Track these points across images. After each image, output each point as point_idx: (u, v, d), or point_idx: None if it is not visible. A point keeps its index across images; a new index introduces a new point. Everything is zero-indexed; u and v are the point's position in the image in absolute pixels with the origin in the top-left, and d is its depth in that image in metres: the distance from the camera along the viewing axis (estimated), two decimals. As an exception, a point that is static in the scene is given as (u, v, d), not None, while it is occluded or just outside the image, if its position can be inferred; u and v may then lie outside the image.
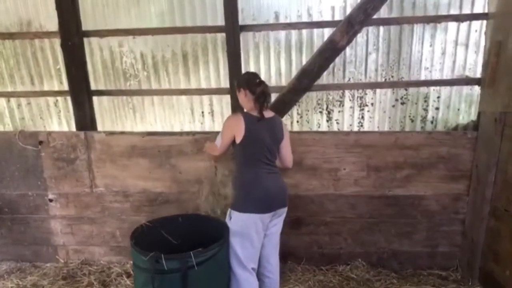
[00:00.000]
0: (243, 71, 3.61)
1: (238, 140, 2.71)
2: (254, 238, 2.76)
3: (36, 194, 3.93)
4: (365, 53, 3.57)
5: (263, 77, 3.65)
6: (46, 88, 3.94)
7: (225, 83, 3.71)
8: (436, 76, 3.55)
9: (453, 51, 3.47)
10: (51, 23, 3.70)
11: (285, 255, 3.85)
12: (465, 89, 3.55)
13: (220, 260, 2.68)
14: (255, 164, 2.76)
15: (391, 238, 3.75)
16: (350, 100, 3.71)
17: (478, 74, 3.48)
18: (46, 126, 4.10)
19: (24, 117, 4.08)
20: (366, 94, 3.67)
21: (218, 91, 3.75)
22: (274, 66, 3.67)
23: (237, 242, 2.75)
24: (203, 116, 3.90)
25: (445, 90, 3.58)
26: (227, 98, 3.73)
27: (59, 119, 4.05)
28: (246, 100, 2.81)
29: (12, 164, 3.86)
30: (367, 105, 3.70)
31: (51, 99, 3.99)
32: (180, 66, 3.74)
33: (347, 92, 3.69)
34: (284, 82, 3.67)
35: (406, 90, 3.62)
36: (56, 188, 3.91)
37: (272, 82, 3.70)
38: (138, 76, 3.81)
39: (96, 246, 4.04)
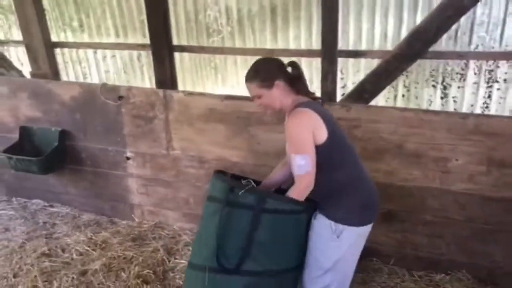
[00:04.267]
0: (340, 30, 3.05)
1: (322, 140, 2.05)
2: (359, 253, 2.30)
3: (116, 151, 3.95)
4: (504, 12, 2.78)
5: (364, 39, 3.07)
6: (130, 41, 3.82)
7: (317, 44, 3.22)
8: None
9: None
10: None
11: (369, 252, 3.34)
12: None
13: (298, 225, 2.22)
14: (350, 161, 2.21)
15: (511, 252, 2.99)
16: (475, 73, 2.99)
17: None
18: (129, 81, 4.01)
19: (109, 70, 4.02)
20: (498, 67, 2.93)
21: (309, 53, 3.33)
22: (379, 26, 3.10)
23: (341, 265, 2.20)
24: (288, 81, 3.45)
25: None
26: (317, 62, 3.23)
27: (142, 74, 3.97)
28: (284, 94, 2.16)
29: (96, 117, 3.87)
30: (497, 81, 2.95)
31: (134, 53, 3.89)
32: (267, 22, 3.36)
33: (472, 63, 2.98)
34: (390, 47, 3.07)
35: (556, 64, 2.76)
36: (134, 146, 3.86)
37: (375, 46, 3.10)
38: (222, 32, 3.51)
39: (170, 210, 3.99)
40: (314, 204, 2.24)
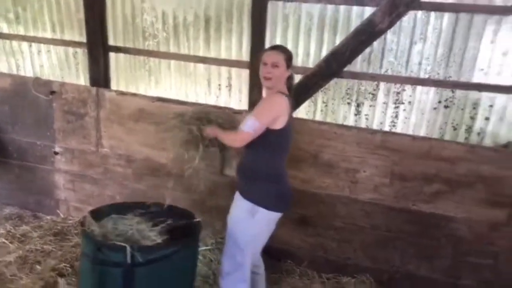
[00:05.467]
0: (267, 44, 3.25)
1: (279, 126, 2.34)
2: (266, 238, 2.59)
3: (44, 145, 3.94)
4: (410, 42, 3.11)
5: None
6: (66, 37, 3.84)
7: (246, 56, 3.39)
8: (492, 80, 3.01)
9: (518, 53, 2.89)
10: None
11: (284, 254, 3.55)
12: (527, 101, 2.97)
13: (180, 261, 2.37)
14: (284, 157, 2.52)
15: (408, 258, 3.35)
16: (384, 94, 3.27)
17: (546, 86, 2.88)
18: (63, 76, 4.02)
19: (43, 64, 4.01)
20: (404, 90, 3.22)
21: (238, 64, 3.47)
22: (302, 44, 3.33)
23: (252, 244, 2.48)
24: (219, 89, 3.66)
25: (500, 99, 3.05)
26: (246, 73, 3.40)
27: (77, 71, 3.99)
28: (283, 78, 2.45)
29: (26, 111, 3.85)
30: (403, 103, 3.25)
31: (70, 50, 3.91)
32: (201, 31, 3.51)
33: (382, 85, 3.26)
34: (311, 64, 3.31)
35: (452, 92, 3.13)
36: (63, 142, 3.88)
37: (298, 62, 3.33)
38: (157, 37, 3.62)
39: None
40: (195, 230, 2.51)
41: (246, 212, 2.39)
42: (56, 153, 3.92)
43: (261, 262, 2.79)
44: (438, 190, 3.12)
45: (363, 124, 3.38)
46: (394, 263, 3.39)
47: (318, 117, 3.46)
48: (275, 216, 2.47)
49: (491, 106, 3.07)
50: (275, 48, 2.51)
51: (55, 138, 3.87)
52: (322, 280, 3.45)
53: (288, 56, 2.44)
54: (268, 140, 2.35)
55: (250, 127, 2.28)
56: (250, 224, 2.40)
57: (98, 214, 2.57)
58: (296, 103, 3.31)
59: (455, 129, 3.20)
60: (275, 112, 2.31)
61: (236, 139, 2.36)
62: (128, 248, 2.12)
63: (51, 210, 4.10)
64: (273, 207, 2.41)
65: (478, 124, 3.14)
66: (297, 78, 3.28)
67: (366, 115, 3.36)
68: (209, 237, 3.57)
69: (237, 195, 2.51)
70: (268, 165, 2.43)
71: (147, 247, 2.27)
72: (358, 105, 3.36)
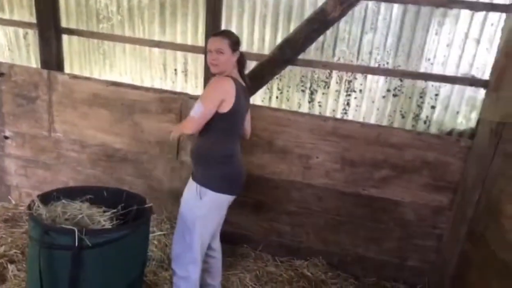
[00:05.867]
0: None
1: (225, 109, 2.35)
2: (217, 221, 2.61)
3: (-7, 129, 3.77)
4: (361, 31, 3.18)
5: (244, 42, 3.32)
6: (16, 17, 3.70)
7: (202, 41, 3.38)
8: (437, 70, 3.14)
9: (461, 45, 3.03)
10: None
11: (241, 238, 3.62)
12: (469, 90, 3.13)
13: (130, 245, 2.36)
14: (233, 140, 2.54)
15: (357, 241, 3.48)
16: (337, 82, 3.34)
17: (487, 76, 3.03)
18: (14, 59, 3.89)
19: (-9, 45, 3.86)
20: (355, 78, 3.30)
21: (194, 49, 3.46)
22: (258, 31, 3.34)
23: (200, 225, 2.47)
24: (175, 74, 3.62)
25: (445, 88, 3.17)
26: (202, 58, 3.39)
27: (27, 53, 3.85)
28: (231, 63, 2.48)
29: (-28, 93, 3.68)
30: (354, 91, 3.33)
31: (20, 31, 3.77)
32: (156, 15, 3.46)
33: (334, 73, 3.32)
34: (267, 50, 3.34)
35: (401, 81, 3.23)
36: (13, 126, 3.77)
37: (254, 49, 3.36)
38: (112, 20, 3.54)
39: (49, 193, 3.87)
40: (147, 213, 2.53)
41: (194, 194, 2.43)
42: (6, 138, 3.80)
43: (218, 246, 2.84)
44: (386, 176, 3.25)
45: (316, 111, 3.45)
46: (344, 246, 3.52)
47: (274, 104, 3.50)
48: (224, 198, 2.50)
49: (436, 95, 3.19)
50: (218, 34, 2.51)
51: (5, 122, 3.75)
52: (276, 263, 3.54)
53: (233, 41, 2.45)
54: (216, 124, 2.37)
55: (196, 112, 2.31)
56: (198, 204, 2.43)
57: (47, 199, 2.53)
58: (252, 89, 3.35)
59: (403, 117, 3.32)
60: (218, 95, 2.32)
61: (186, 126, 2.37)
62: (76, 232, 2.11)
63: (2, 197, 3.99)
64: (221, 189, 2.44)
65: (425, 112, 3.26)
66: (253, 64, 3.32)
67: (319, 102, 3.43)
68: (164, 223, 3.59)
69: (190, 179, 2.55)
70: (217, 148, 2.45)
71: (95, 231, 2.27)
72: (312, 93, 3.42)
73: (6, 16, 3.71)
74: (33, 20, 3.61)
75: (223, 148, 2.46)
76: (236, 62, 2.51)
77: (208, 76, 3.38)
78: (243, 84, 2.54)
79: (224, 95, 2.33)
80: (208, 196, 2.42)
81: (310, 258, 3.58)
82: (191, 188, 2.47)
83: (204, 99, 2.33)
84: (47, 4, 3.43)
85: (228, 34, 2.50)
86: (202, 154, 2.48)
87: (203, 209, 2.44)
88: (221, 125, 2.40)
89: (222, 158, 2.47)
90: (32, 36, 3.73)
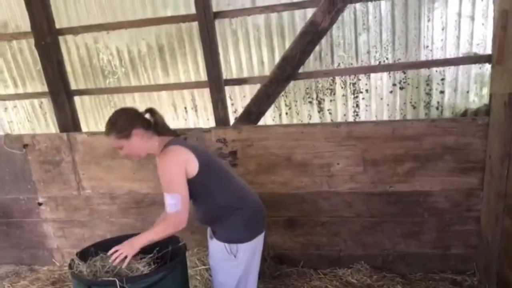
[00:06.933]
0: (222, 62, 3.38)
1: (194, 172, 2.14)
2: (258, 263, 2.43)
3: (27, 198, 4.00)
4: (354, 34, 3.24)
5: (244, 67, 3.42)
6: (29, 90, 3.92)
7: (204, 75, 3.50)
8: (438, 55, 3.16)
9: (456, 25, 3.05)
10: (26, 23, 3.65)
11: (280, 259, 3.63)
12: (474, 68, 3.13)
13: (170, 285, 2.37)
14: (229, 183, 2.31)
15: (396, 239, 3.45)
16: (342, 87, 3.40)
17: (489, 50, 3.02)
18: (34, 129, 4.09)
19: (12, 120, 4.08)
20: (359, 79, 3.35)
21: (199, 85, 3.58)
22: (255, 54, 3.44)
23: (244, 282, 2.32)
24: (186, 112, 3.75)
25: (449, 71, 3.18)
26: (208, 92, 3.50)
27: (45, 121, 4.06)
28: (144, 141, 2.19)
29: (2, 168, 3.90)
30: (361, 92, 3.38)
31: (35, 101, 3.98)
32: (157, 60, 3.62)
33: (337, 79, 3.39)
34: (267, 71, 3.44)
35: (404, 73, 3.26)
36: (45, 192, 3.93)
37: (255, 72, 3.45)
38: (117, 73, 3.71)
39: (89, 249, 4.00)
40: (182, 251, 2.47)
41: (226, 254, 2.24)
42: (40, 204, 3.97)
43: None
44: (410, 168, 3.23)
45: (328, 119, 3.49)
46: (384, 246, 3.49)
47: (284, 120, 3.57)
48: (257, 241, 2.32)
49: (442, 79, 3.20)
50: (105, 131, 2.20)
51: (37, 189, 3.93)
52: (320, 276, 3.52)
53: (118, 131, 2.14)
54: (201, 188, 2.19)
55: (175, 205, 2.08)
56: (234, 263, 2.26)
57: (86, 255, 2.62)
58: (259, 111, 3.43)
59: (414, 107, 3.33)
60: (178, 170, 2.09)
61: (170, 224, 2.15)
62: (117, 282, 2.19)
63: (47, 261, 4.14)
64: (251, 236, 2.27)
65: (435, 98, 3.27)
66: (256, 87, 3.40)
67: (329, 110, 3.47)
68: (206, 256, 3.63)
69: (212, 240, 2.36)
70: (222, 202, 2.24)
71: (134, 278, 2.33)
72: (319, 102, 3.47)
73: (20, 90, 3.95)
74: (45, 88, 3.82)
75: (228, 198, 2.26)
76: (148, 130, 2.20)
77: (217, 107, 3.48)
78: (176, 134, 2.32)
79: (182, 165, 2.10)
80: (241, 250, 2.24)
81: (353, 265, 3.56)
82: (219, 249, 2.27)
83: (170, 187, 2.09)
84: (55, 71, 3.62)
85: (110, 127, 2.17)
86: (213, 217, 2.30)
87: (241, 266, 2.27)
88: (207, 184, 2.21)
89: (234, 206, 2.26)
90: (47, 104, 3.94)
